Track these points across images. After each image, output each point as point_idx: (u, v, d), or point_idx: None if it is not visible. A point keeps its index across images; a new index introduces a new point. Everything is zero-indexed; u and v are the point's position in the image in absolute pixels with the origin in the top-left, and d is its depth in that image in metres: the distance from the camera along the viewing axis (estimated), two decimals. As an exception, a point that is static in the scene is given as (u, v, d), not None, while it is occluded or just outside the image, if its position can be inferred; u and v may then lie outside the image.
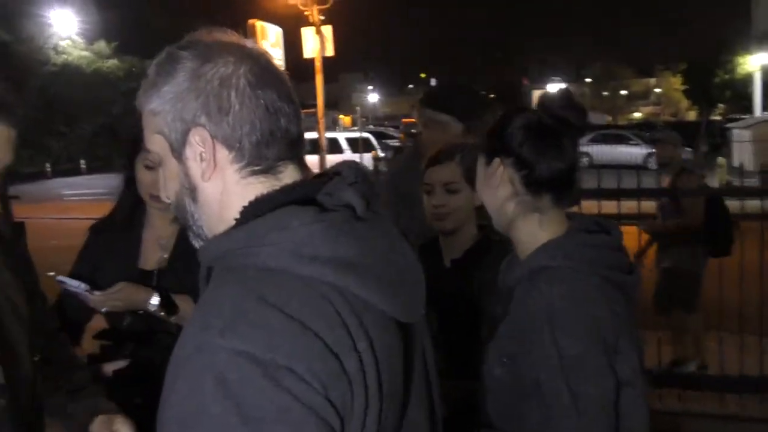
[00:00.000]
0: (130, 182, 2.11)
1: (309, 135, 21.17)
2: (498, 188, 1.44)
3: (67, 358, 1.66)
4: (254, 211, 0.90)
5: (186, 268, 1.99)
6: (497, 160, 1.44)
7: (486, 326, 1.54)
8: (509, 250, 1.54)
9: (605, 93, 64.31)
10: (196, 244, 0.98)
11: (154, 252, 2.11)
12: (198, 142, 0.92)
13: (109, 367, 1.89)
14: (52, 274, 1.96)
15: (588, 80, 65.33)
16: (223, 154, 0.92)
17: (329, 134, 20.89)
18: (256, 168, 0.93)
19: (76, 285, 1.95)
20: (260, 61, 0.94)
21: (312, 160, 19.13)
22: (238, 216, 0.91)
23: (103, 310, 2.02)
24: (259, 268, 0.85)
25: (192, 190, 0.95)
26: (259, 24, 17.13)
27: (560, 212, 1.45)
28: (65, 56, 31.24)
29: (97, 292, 1.95)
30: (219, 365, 0.77)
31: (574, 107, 1.42)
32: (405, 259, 0.95)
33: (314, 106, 19.84)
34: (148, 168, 2.01)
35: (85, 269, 2.09)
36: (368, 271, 0.87)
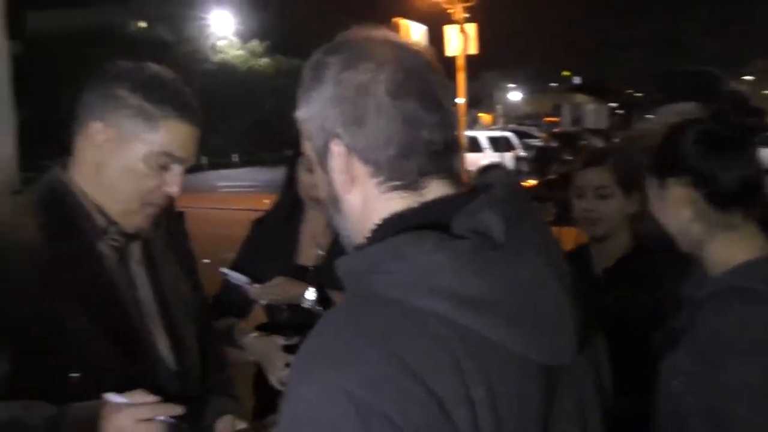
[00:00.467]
0: (291, 181, 2.17)
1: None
2: (678, 211, 1.34)
3: (219, 352, 1.71)
4: (383, 232, 0.85)
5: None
6: (671, 180, 1.34)
7: (659, 339, 1.45)
8: (669, 261, 1.44)
9: (765, 91, 59.76)
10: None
11: (310, 248, 2.16)
12: (338, 154, 0.87)
13: (280, 341, 1.96)
14: (207, 261, 2.05)
15: (747, 78, 60.94)
16: (361, 167, 0.87)
17: (469, 133, 20.82)
18: (396, 183, 0.86)
19: (237, 277, 2.03)
20: (406, 65, 0.87)
21: (451, 158, 19.05)
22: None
23: (262, 301, 2.09)
24: (374, 297, 0.79)
25: (335, 201, 0.91)
26: (403, 22, 17.34)
27: (752, 226, 1.34)
28: (222, 55, 33.13)
29: (257, 285, 2.02)
30: (317, 397, 0.74)
31: (752, 109, 1.30)
32: (551, 293, 0.82)
33: (455, 104, 19.74)
34: (309, 170, 2.02)
35: (246, 261, 2.18)
36: (497, 308, 0.77)
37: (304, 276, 2.11)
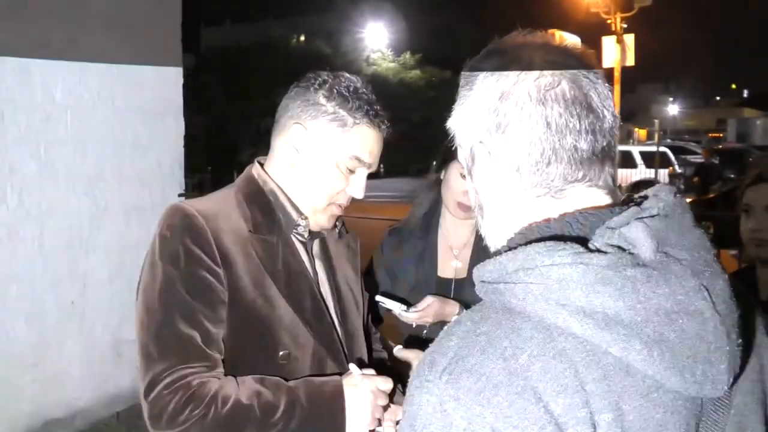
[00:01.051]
0: (434, 185, 2.15)
1: (601, 147, 20.33)
2: None
3: (378, 360, 1.78)
4: (519, 241, 0.82)
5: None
6: None
7: None
8: None
9: None
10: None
11: (450, 260, 2.16)
12: (483, 160, 0.86)
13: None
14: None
15: None
16: (503, 173, 0.85)
17: (622, 147, 19.97)
18: (540, 191, 0.84)
19: (392, 305, 1.99)
20: (557, 68, 0.84)
21: (602, 174, 18.39)
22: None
23: (414, 325, 2.04)
24: (502, 308, 0.76)
25: (481, 208, 0.90)
26: (558, 34, 16.92)
27: None
28: (375, 67, 33.98)
29: (411, 310, 1.99)
30: (431, 405, 0.73)
31: None
32: (700, 320, 0.74)
33: (613, 111, 19.07)
34: (463, 176, 2.01)
35: (384, 275, 2.17)
36: (633, 329, 0.72)
37: (447, 289, 2.09)
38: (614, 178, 0.88)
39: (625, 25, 18.62)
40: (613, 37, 18.51)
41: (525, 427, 0.68)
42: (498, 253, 0.81)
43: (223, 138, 25.27)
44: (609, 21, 18.73)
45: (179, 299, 1.35)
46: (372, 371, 1.45)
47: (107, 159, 4.01)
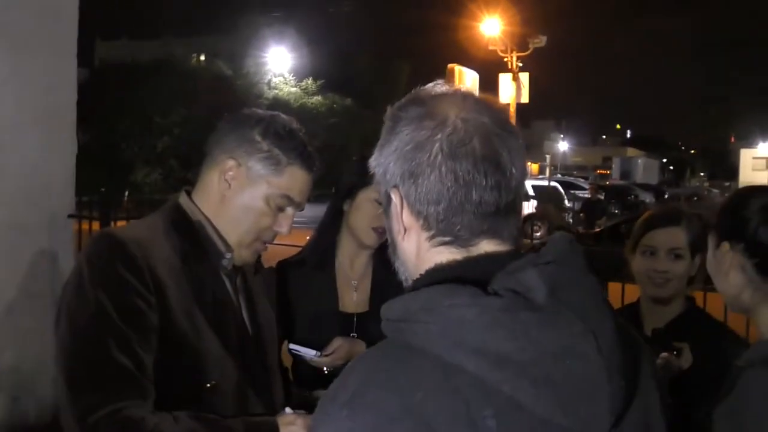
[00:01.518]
0: (337, 216, 2.13)
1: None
2: (728, 275, 1.33)
3: (301, 398, 1.80)
4: (423, 282, 0.87)
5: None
6: (725, 244, 1.33)
7: (703, 402, 1.43)
8: (717, 323, 1.41)
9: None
10: None
11: (348, 292, 2.14)
12: (395, 203, 0.91)
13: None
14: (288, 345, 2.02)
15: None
16: (413, 219, 0.90)
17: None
18: (445, 239, 0.88)
19: (306, 352, 1.96)
20: (471, 125, 0.88)
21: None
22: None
23: (326, 370, 1.98)
24: (404, 346, 0.80)
25: (394, 246, 0.95)
26: (457, 69, 17.49)
27: None
28: (276, 91, 33.82)
29: (324, 355, 1.94)
30: None
31: None
32: (584, 362, 0.79)
33: (523, 166, 19.83)
34: (379, 202, 2.00)
35: (287, 309, 2.10)
36: (523, 368, 0.76)
37: (349, 324, 2.08)
38: (519, 230, 0.93)
39: (520, 64, 19.45)
40: (510, 75, 19.28)
41: None
42: (402, 295, 0.84)
43: (117, 156, 24.35)
44: (506, 59, 19.50)
45: (113, 327, 1.32)
46: (303, 411, 1.45)
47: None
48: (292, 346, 2.00)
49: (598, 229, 13.89)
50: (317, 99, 34.42)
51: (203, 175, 1.55)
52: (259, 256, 1.65)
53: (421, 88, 0.95)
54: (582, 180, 31.38)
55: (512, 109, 18.93)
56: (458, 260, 0.88)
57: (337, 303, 2.11)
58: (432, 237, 0.89)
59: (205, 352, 1.43)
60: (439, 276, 0.85)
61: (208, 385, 1.42)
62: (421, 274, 0.89)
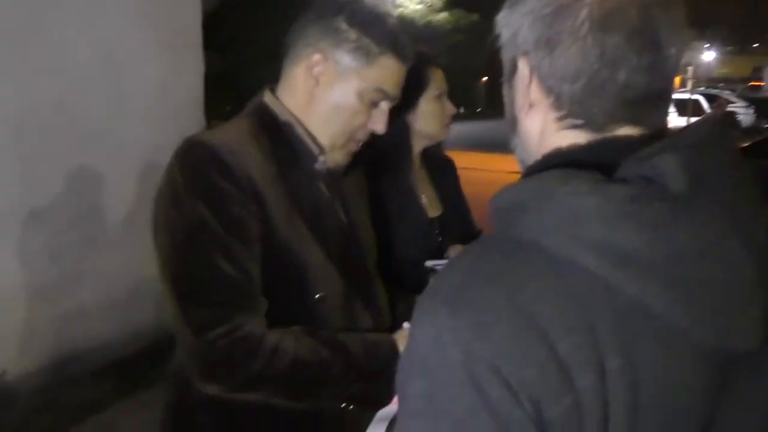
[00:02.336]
0: (405, 125, 2.02)
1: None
2: None
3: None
4: (540, 167, 0.76)
5: (455, 214, 2.11)
6: None
7: None
8: None
9: None
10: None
11: (419, 198, 2.06)
12: (523, 74, 0.79)
13: None
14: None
15: None
16: (542, 95, 0.78)
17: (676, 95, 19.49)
18: (577, 122, 0.76)
19: (442, 263, 1.89)
20: None
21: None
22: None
23: None
24: (513, 239, 0.70)
25: (514, 121, 0.83)
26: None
27: None
28: (401, 9, 33.31)
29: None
30: (429, 338, 0.69)
31: None
32: (731, 263, 0.67)
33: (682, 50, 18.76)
34: (437, 100, 1.99)
35: (377, 218, 2.03)
36: (653, 268, 0.66)
37: (434, 228, 2.04)
38: (665, 120, 0.79)
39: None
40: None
41: (524, 365, 0.64)
42: (515, 182, 0.75)
43: (246, 81, 25.14)
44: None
45: (216, 237, 1.24)
46: None
47: (121, 99, 3.98)
48: (431, 263, 1.90)
49: (745, 145, 12.91)
50: (443, 16, 33.60)
51: (287, 71, 1.42)
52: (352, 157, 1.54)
53: None
54: (729, 92, 29.08)
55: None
56: (581, 143, 0.76)
57: (423, 208, 2.05)
58: (561, 118, 0.77)
59: (310, 262, 1.34)
60: (556, 160, 0.75)
61: (317, 296, 1.35)
62: (537, 159, 0.79)
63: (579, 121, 0.76)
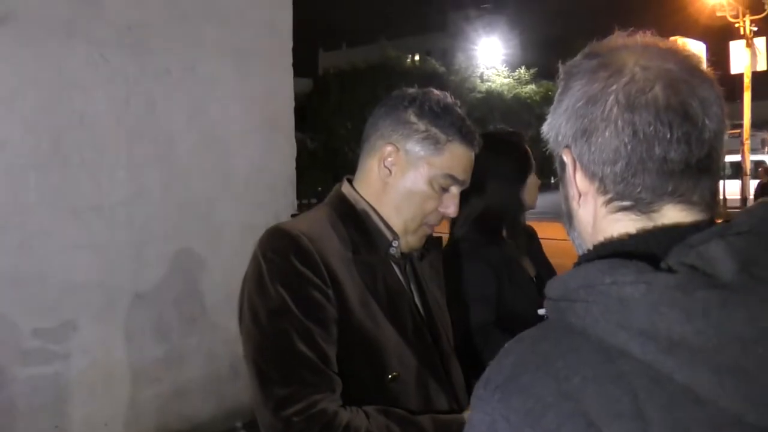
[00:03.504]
0: (518, 197, 2.24)
1: (732, 158, 19.35)
2: None
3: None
4: (591, 256, 0.77)
5: (544, 274, 2.25)
6: None
7: None
8: None
9: None
10: None
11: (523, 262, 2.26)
12: (569, 167, 0.82)
13: None
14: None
15: None
16: (588, 183, 0.81)
17: (755, 157, 18.76)
18: (623, 204, 0.78)
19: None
20: (653, 73, 0.77)
21: (733, 186, 17.41)
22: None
23: None
24: (563, 327, 0.72)
25: (569, 215, 0.86)
26: (680, 41, 16.24)
27: None
28: (489, 83, 33.79)
29: None
30: (484, 425, 0.71)
31: None
32: None
33: (740, 126, 17.99)
34: (536, 182, 2.25)
35: (489, 284, 2.15)
36: (703, 354, 0.65)
37: (533, 288, 2.16)
38: (714, 192, 0.80)
39: (755, 28, 17.54)
40: (742, 42, 17.48)
41: None
42: (567, 271, 0.76)
43: (340, 159, 25.90)
44: (737, 25, 17.71)
45: (295, 320, 1.32)
46: None
47: (222, 180, 4.17)
48: (540, 311, 2.01)
49: None
50: (531, 88, 33.84)
51: (363, 162, 1.51)
52: (426, 241, 1.60)
53: (600, 41, 0.85)
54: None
55: (747, 79, 17.15)
56: (630, 233, 0.77)
57: (525, 269, 2.23)
58: (609, 201, 0.79)
59: (384, 342, 1.39)
60: (606, 250, 0.77)
61: (390, 376, 1.39)
62: (588, 249, 0.81)
63: (626, 203, 0.78)
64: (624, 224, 0.79)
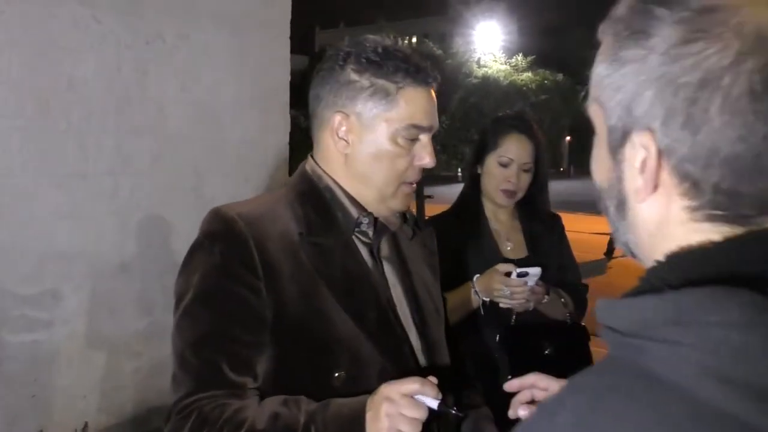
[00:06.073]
0: (474, 180, 2.33)
1: None
2: None
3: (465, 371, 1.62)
4: (669, 274, 0.62)
5: (546, 259, 2.24)
6: None
7: None
8: None
9: None
10: (625, 250, 0.73)
11: (502, 242, 2.30)
12: (642, 152, 0.64)
13: None
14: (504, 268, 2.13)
15: None
16: (671, 179, 0.63)
17: None
18: (718, 213, 0.62)
19: (534, 270, 2.09)
20: None
21: None
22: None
23: (515, 313, 2.17)
24: (638, 372, 0.56)
25: (620, 202, 0.69)
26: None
27: None
28: (486, 69, 33.64)
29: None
30: None
31: None
32: None
33: None
34: (502, 165, 2.23)
35: (451, 259, 2.08)
36: None
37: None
38: None
39: None
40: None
41: None
42: (636, 289, 0.62)
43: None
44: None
45: (208, 318, 1.23)
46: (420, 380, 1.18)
47: (213, 153, 4.07)
48: (520, 270, 2.08)
49: None
50: (527, 75, 33.70)
51: (317, 138, 1.37)
52: (415, 218, 1.48)
53: None
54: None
55: None
56: (717, 242, 0.62)
57: (499, 250, 2.28)
58: (696, 208, 0.63)
59: (332, 338, 1.25)
60: (698, 270, 0.60)
61: (336, 374, 1.25)
62: (664, 260, 0.64)
63: (718, 212, 0.62)
64: (706, 236, 0.63)
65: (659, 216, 0.65)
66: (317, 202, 1.34)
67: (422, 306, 1.42)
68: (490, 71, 33.63)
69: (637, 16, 0.63)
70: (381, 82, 1.29)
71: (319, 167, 1.38)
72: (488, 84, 33.03)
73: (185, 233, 3.95)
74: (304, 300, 1.25)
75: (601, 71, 0.67)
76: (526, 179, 2.26)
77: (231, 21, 4.09)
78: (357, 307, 1.29)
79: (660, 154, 0.63)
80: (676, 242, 0.64)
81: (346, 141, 1.32)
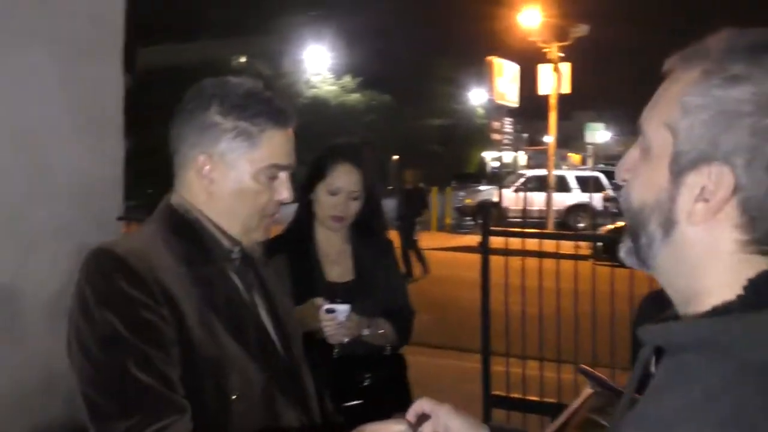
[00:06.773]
0: (308, 204, 2.39)
1: (537, 172, 20.95)
2: None
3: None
4: (761, 298, 0.67)
5: (371, 283, 2.36)
6: None
7: None
8: None
9: None
10: (628, 261, 0.79)
11: (330, 266, 2.39)
12: (713, 183, 0.68)
13: None
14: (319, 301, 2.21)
15: None
16: (733, 211, 0.68)
17: (558, 172, 20.46)
18: (764, 248, 0.69)
19: (342, 309, 2.18)
20: None
21: (539, 198, 18.88)
22: (731, 296, 0.68)
23: (345, 339, 2.22)
24: (754, 369, 0.62)
25: (667, 220, 0.72)
26: (496, 61, 17.38)
27: None
28: (315, 90, 33.95)
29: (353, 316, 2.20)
30: None
31: None
32: None
33: (544, 143, 19.59)
34: (331, 194, 2.32)
35: None
36: None
37: (335, 292, 2.28)
38: None
39: (561, 54, 19.15)
40: (550, 66, 19.02)
41: None
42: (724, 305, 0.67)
43: (163, 160, 24.71)
44: (546, 50, 19.24)
45: (128, 346, 1.22)
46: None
47: (41, 179, 3.85)
48: (327, 306, 2.16)
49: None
50: (356, 96, 34.40)
51: (181, 176, 1.42)
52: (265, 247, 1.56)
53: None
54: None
55: (553, 100, 18.68)
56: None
57: (324, 274, 2.37)
58: (747, 242, 0.69)
59: (225, 362, 1.32)
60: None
61: (234, 397, 1.32)
62: (739, 296, 0.68)
63: (765, 247, 0.69)
64: (761, 264, 0.69)
65: (707, 241, 0.70)
66: (190, 236, 1.39)
67: (284, 327, 1.52)
68: (319, 92, 34.03)
69: (732, 56, 0.68)
70: (244, 125, 1.36)
71: (187, 201, 1.42)
72: (318, 104, 33.40)
73: (13, 264, 3.69)
74: (199, 327, 1.31)
75: (687, 101, 0.70)
76: (354, 206, 2.35)
77: (56, 40, 3.90)
78: (240, 332, 1.37)
79: (734, 190, 0.67)
80: (726, 275, 0.69)
81: (210, 179, 1.38)
